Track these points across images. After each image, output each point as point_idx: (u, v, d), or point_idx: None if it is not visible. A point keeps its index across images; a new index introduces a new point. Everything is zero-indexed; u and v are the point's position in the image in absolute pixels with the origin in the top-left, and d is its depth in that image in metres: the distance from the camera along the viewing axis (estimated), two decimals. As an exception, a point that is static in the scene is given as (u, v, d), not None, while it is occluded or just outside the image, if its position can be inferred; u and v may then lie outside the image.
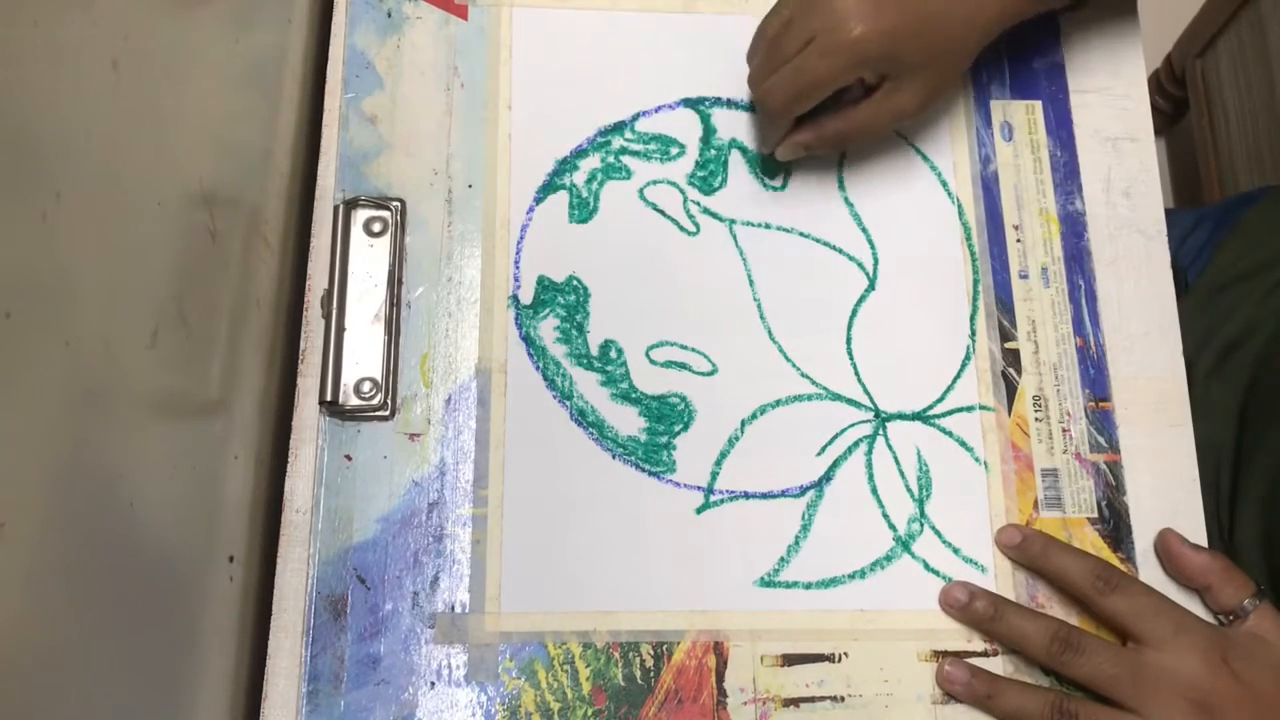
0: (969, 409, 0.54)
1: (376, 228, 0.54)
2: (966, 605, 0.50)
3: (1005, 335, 0.55)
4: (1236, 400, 0.66)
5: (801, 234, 0.57)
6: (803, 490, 0.53)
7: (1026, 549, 0.51)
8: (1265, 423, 0.63)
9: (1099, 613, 0.49)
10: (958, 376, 0.55)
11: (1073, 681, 0.49)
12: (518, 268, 0.55)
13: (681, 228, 0.56)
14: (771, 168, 0.57)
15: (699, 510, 0.52)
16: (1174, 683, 0.47)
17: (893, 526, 0.52)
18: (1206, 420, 0.55)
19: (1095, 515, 0.53)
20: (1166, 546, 0.51)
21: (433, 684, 0.49)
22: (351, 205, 0.54)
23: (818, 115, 0.53)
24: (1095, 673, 0.48)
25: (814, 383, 0.54)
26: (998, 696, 0.49)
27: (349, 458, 0.51)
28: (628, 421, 0.53)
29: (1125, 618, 0.48)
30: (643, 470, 0.52)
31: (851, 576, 0.52)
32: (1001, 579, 0.52)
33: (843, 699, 0.50)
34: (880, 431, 0.54)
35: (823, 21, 0.49)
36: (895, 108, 0.51)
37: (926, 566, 0.52)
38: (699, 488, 0.52)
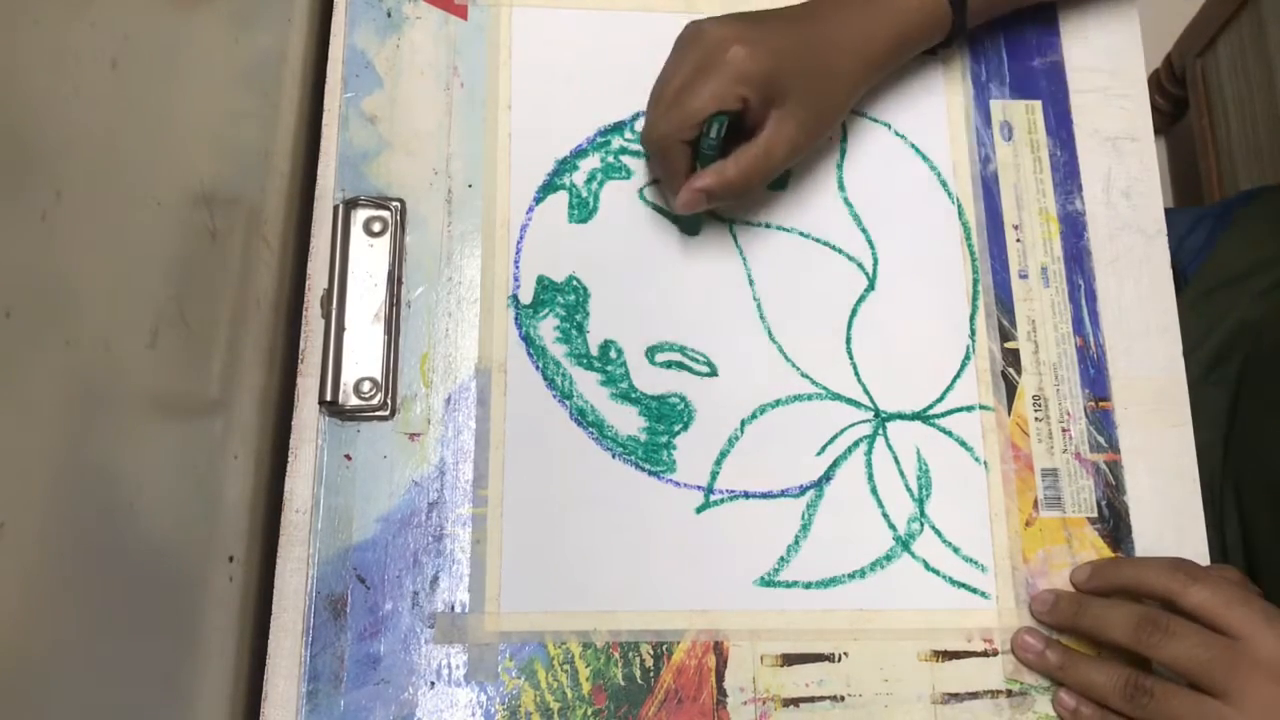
0: (969, 409, 0.54)
1: (376, 227, 0.54)
2: (1052, 605, 0.51)
3: (1005, 335, 0.55)
4: (1227, 403, 0.66)
5: (801, 234, 0.57)
6: (802, 490, 0.53)
7: (1101, 576, 0.51)
8: (1251, 425, 0.63)
9: (1184, 608, 0.48)
10: (957, 376, 0.55)
11: (1163, 665, 0.48)
12: (517, 267, 0.55)
13: (681, 228, 0.56)
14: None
15: (699, 510, 0.52)
16: (1267, 670, 0.45)
17: (892, 526, 0.52)
18: (1199, 423, 0.54)
19: (1095, 515, 0.53)
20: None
21: (433, 684, 0.49)
22: (351, 205, 0.54)
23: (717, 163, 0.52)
24: (1184, 655, 0.46)
25: (814, 382, 0.54)
26: (1070, 668, 0.50)
27: (349, 457, 0.51)
28: (627, 421, 0.53)
29: (1212, 608, 0.47)
30: (642, 470, 0.52)
31: (851, 576, 0.52)
32: (1001, 578, 0.52)
33: (842, 699, 0.50)
34: (880, 431, 0.54)
35: (704, 48, 0.50)
36: (786, 139, 0.51)
37: (926, 566, 0.52)
38: (699, 487, 0.52)
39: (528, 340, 0.54)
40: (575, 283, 0.55)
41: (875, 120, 0.59)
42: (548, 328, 0.54)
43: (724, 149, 0.51)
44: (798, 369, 0.54)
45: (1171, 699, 0.47)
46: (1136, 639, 0.48)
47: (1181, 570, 0.48)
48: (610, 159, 0.57)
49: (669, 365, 0.54)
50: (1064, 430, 0.54)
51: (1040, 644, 0.50)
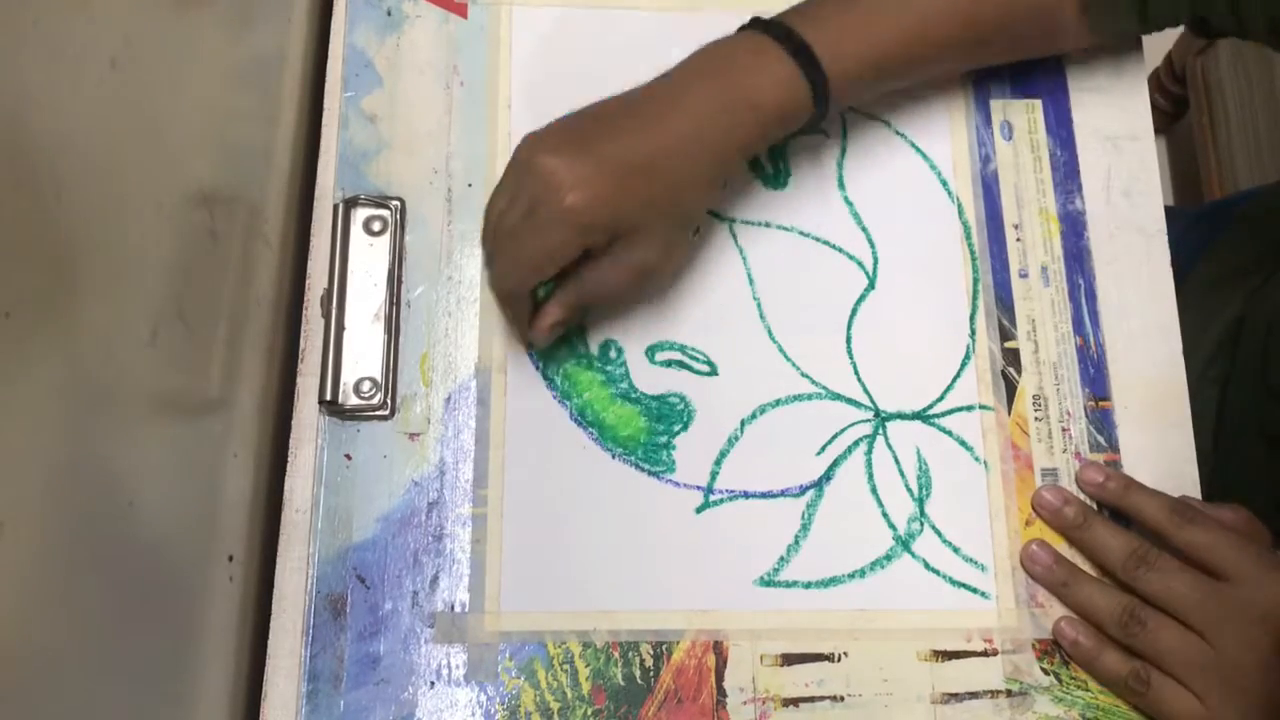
0: (969, 408, 0.54)
1: (376, 227, 0.54)
2: (1058, 510, 0.52)
3: (1005, 334, 0.55)
4: (1214, 398, 0.66)
5: (801, 233, 0.57)
6: (802, 490, 0.53)
7: (1107, 487, 0.52)
8: (1236, 423, 0.63)
9: (1177, 546, 0.49)
10: (957, 376, 0.55)
11: (1147, 599, 0.49)
12: (517, 267, 0.55)
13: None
14: (771, 175, 0.57)
15: (699, 510, 0.52)
16: (1253, 614, 0.46)
17: (892, 526, 0.52)
18: (1197, 422, 0.55)
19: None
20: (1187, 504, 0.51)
21: (432, 683, 0.49)
22: (351, 204, 0.54)
23: (558, 288, 0.50)
24: (1168, 592, 0.47)
25: (814, 382, 0.54)
26: (1074, 586, 0.50)
27: (349, 457, 0.51)
28: (627, 421, 0.53)
29: (1203, 549, 0.48)
30: (642, 470, 0.52)
31: (851, 576, 0.52)
32: (1001, 578, 0.52)
33: (842, 699, 0.50)
34: (880, 431, 0.54)
35: (536, 193, 0.46)
36: (637, 264, 0.49)
37: (926, 566, 0.52)
38: (699, 487, 0.52)
39: (528, 340, 0.54)
40: (575, 282, 0.55)
41: (875, 119, 0.59)
42: (548, 327, 0.54)
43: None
44: (798, 368, 0.54)
45: (1161, 631, 0.47)
46: (1124, 569, 0.49)
47: (1178, 510, 0.49)
48: (610, 158, 0.57)
49: (669, 365, 0.54)
50: (1064, 430, 0.54)
51: (1049, 557, 0.51)
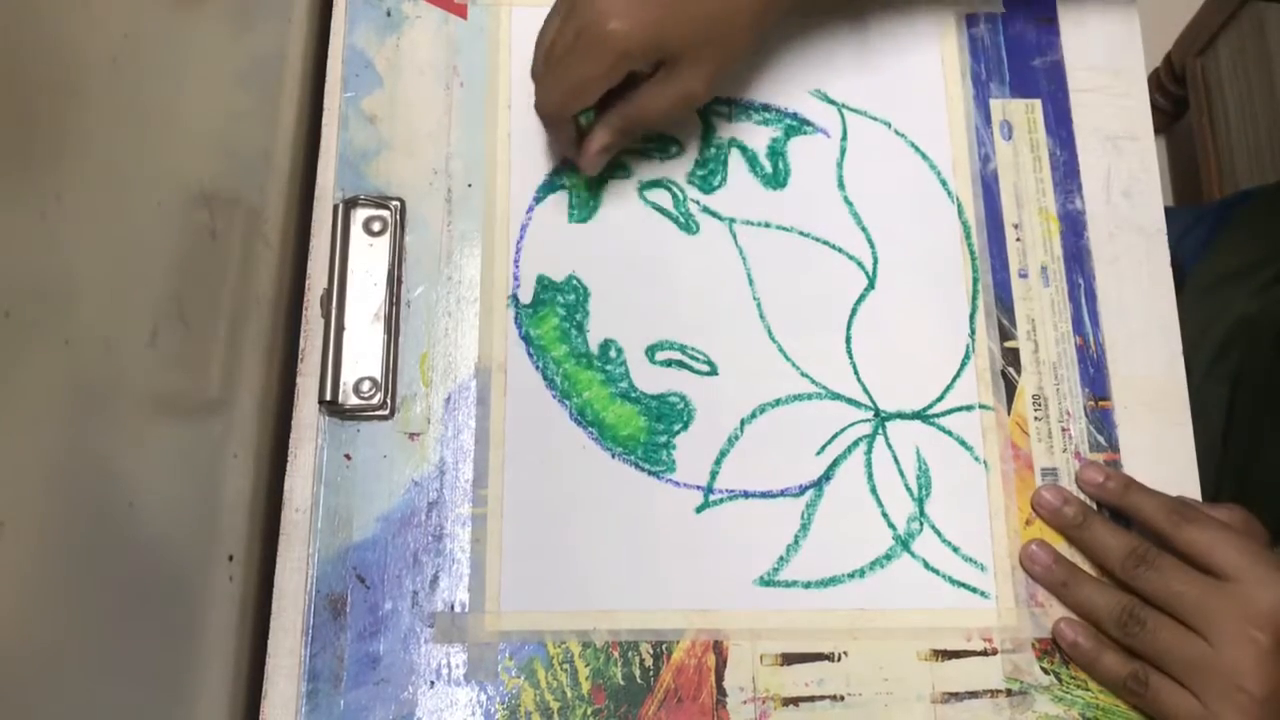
0: (968, 408, 0.54)
1: (376, 227, 0.54)
2: (1057, 509, 0.52)
3: (1005, 334, 0.55)
4: (1224, 397, 0.66)
5: (801, 233, 0.57)
6: (802, 489, 0.53)
7: (1106, 487, 0.52)
8: (1249, 421, 0.63)
9: (1175, 546, 0.49)
10: (957, 375, 0.55)
11: (1146, 599, 0.49)
12: (517, 267, 0.55)
13: (681, 227, 0.56)
14: (770, 174, 0.57)
15: (698, 509, 0.52)
16: (1246, 614, 0.46)
17: (892, 526, 0.52)
18: (1201, 421, 0.55)
19: (1095, 514, 0.53)
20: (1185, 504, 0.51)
21: (432, 683, 0.49)
22: (351, 204, 0.54)
23: (603, 115, 0.52)
24: (1167, 591, 0.47)
25: (813, 382, 0.54)
26: (1073, 586, 0.50)
27: (348, 457, 0.51)
28: (627, 421, 0.53)
29: (1202, 549, 0.48)
30: (642, 470, 0.52)
31: (851, 576, 0.52)
32: (1001, 578, 0.52)
33: (842, 698, 0.50)
34: (880, 431, 0.54)
35: (583, 19, 0.48)
36: (678, 91, 0.50)
37: (926, 565, 0.52)
38: (698, 487, 0.52)
39: (528, 340, 0.54)
40: (575, 282, 0.55)
41: (875, 119, 0.59)
42: (548, 327, 0.54)
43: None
44: (797, 368, 0.54)
45: (1161, 631, 0.47)
46: (1124, 569, 0.49)
47: (1177, 509, 0.49)
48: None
49: (669, 364, 0.54)
50: (1064, 429, 0.54)
51: (1049, 557, 0.51)
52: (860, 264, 0.56)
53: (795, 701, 0.49)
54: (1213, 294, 0.71)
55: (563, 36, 0.49)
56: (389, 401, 0.52)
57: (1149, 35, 0.61)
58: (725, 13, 0.49)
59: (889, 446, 0.54)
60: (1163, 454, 0.54)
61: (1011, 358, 0.55)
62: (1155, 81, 1.40)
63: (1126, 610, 0.48)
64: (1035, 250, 0.57)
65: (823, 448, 0.53)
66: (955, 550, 0.52)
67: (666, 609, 0.50)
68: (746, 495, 0.52)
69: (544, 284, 0.55)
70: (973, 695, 0.50)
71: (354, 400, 0.51)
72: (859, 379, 0.54)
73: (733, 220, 0.57)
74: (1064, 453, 0.54)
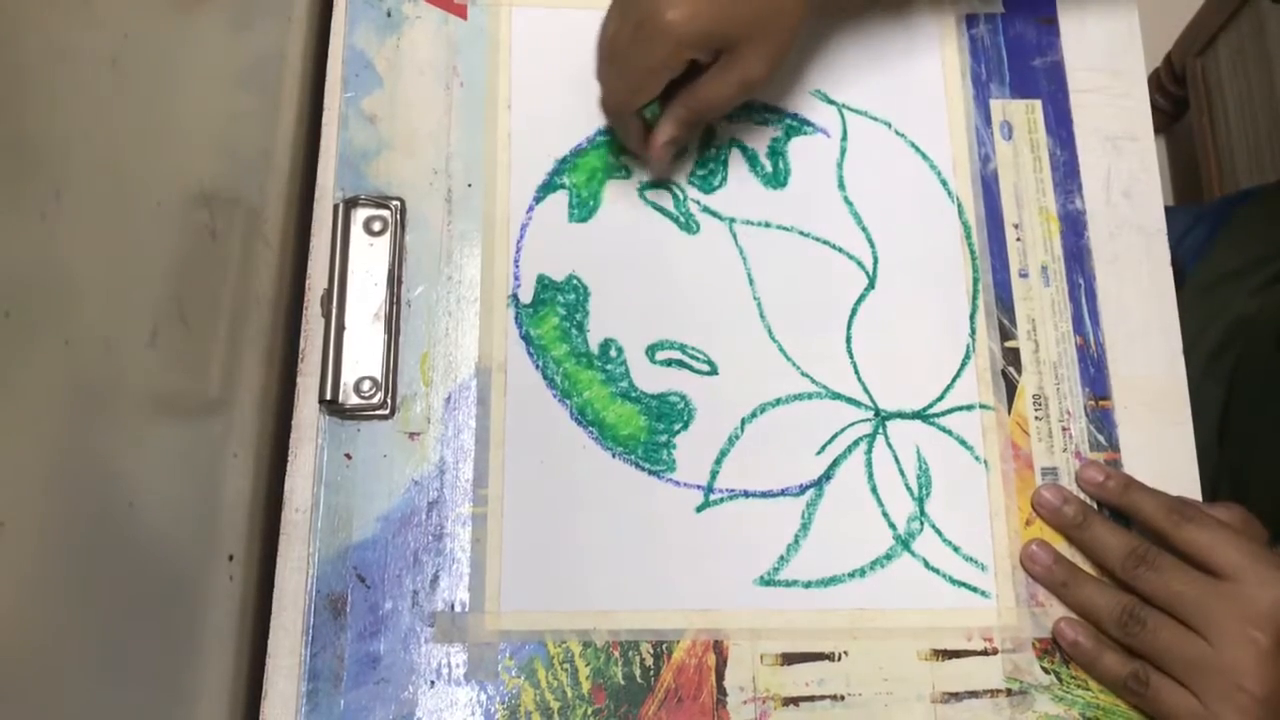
0: (969, 408, 0.54)
1: (376, 227, 0.54)
2: (1057, 509, 0.52)
3: (1005, 334, 0.55)
4: (1221, 396, 0.66)
5: (801, 233, 0.57)
6: (802, 489, 0.53)
7: (1106, 486, 0.52)
8: (1245, 422, 0.63)
9: (1175, 545, 0.49)
10: (957, 375, 0.55)
11: (1146, 599, 0.49)
12: (517, 266, 0.55)
13: (681, 226, 0.56)
14: (770, 173, 0.57)
15: (699, 509, 0.52)
16: (1246, 613, 0.46)
17: (892, 525, 0.52)
18: (1199, 420, 0.55)
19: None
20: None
21: (432, 683, 0.49)
22: (351, 204, 0.54)
23: (667, 108, 0.52)
24: (1166, 591, 0.47)
25: (814, 381, 0.54)
26: (1073, 586, 0.50)
27: (349, 456, 0.51)
28: (627, 420, 0.53)
29: (1201, 548, 0.47)
30: (642, 469, 0.52)
31: (851, 575, 0.52)
32: (1001, 577, 0.52)
33: (842, 698, 0.50)
34: (880, 430, 0.54)
35: (641, 12, 0.48)
36: (739, 77, 0.51)
37: (926, 565, 0.52)
38: (699, 486, 0.52)
39: (528, 339, 0.54)
40: (575, 282, 0.55)
41: (875, 119, 0.59)
42: (548, 327, 0.54)
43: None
44: (798, 368, 0.54)
45: (1161, 631, 0.47)
46: (1124, 568, 0.49)
47: (1176, 509, 0.49)
48: (610, 158, 0.57)
49: (669, 364, 0.54)
50: (1064, 429, 0.54)
51: (1049, 557, 0.51)
52: (860, 264, 0.56)
53: (795, 701, 0.49)
54: (1212, 293, 0.71)
55: (621, 31, 0.50)
56: (389, 401, 0.52)
57: (1149, 35, 0.61)
58: (777, 8, 0.50)
59: (889, 446, 0.54)
60: (1163, 453, 0.54)
61: (1012, 357, 0.55)
62: (1155, 81, 1.40)
63: (1126, 610, 0.48)
64: (1035, 250, 0.57)
65: (823, 447, 0.53)
66: (955, 550, 0.52)
67: (667, 609, 0.50)
68: (747, 495, 0.52)
69: (544, 284, 0.55)
70: (973, 695, 0.50)
71: (354, 400, 0.51)
72: (859, 379, 0.54)
73: (733, 220, 0.57)
74: (1064, 452, 0.54)
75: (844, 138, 0.58)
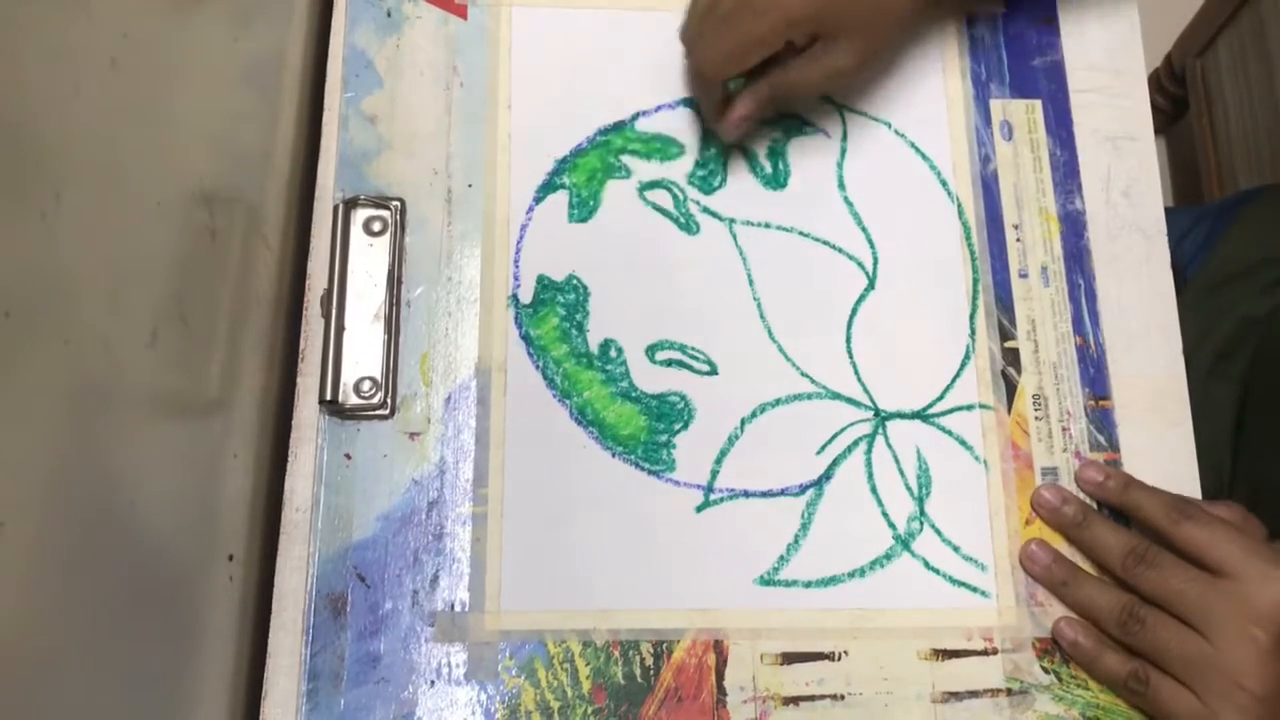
0: (969, 408, 0.54)
1: (376, 227, 0.54)
2: (1057, 509, 0.52)
3: (1005, 334, 0.55)
4: (1234, 399, 0.66)
5: (801, 233, 0.57)
6: (802, 489, 0.53)
7: (1106, 486, 0.52)
8: (1262, 422, 0.63)
9: (1175, 543, 0.49)
10: (957, 375, 0.55)
11: (1145, 597, 0.49)
12: (517, 267, 0.55)
13: (681, 227, 0.56)
14: (770, 171, 0.57)
15: (699, 509, 0.52)
16: (1246, 611, 0.46)
17: (892, 525, 0.52)
18: (1206, 421, 0.55)
19: (1095, 514, 0.53)
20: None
21: (432, 682, 0.49)
22: (351, 204, 0.54)
23: (752, 83, 0.53)
24: (1166, 589, 0.47)
25: (814, 381, 0.54)
26: (1073, 585, 0.50)
27: (349, 456, 0.51)
28: (627, 420, 0.53)
29: (1201, 546, 0.47)
30: (642, 469, 0.52)
31: (851, 575, 0.52)
32: (1001, 577, 0.52)
33: (842, 697, 0.50)
34: (880, 430, 0.54)
35: None
36: (830, 66, 0.51)
37: (926, 565, 0.52)
38: (699, 486, 0.52)
39: (528, 339, 0.54)
40: (575, 282, 0.55)
41: (875, 119, 0.59)
42: (548, 327, 0.54)
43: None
44: (798, 368, 0.54)
45: (1160, 629, 0.47)
46: (1123, 567, 0.49)
47: (1175, 507, 0.49)
48: (610, 158, 0.57)
49: (669, 364, 0.54)
50: (1064, 429, 0.54)
51: (1049, 556, 0.51)
52: (860, 264, 0.56)
53: (795, 701, 0.49)
54: (1217, 294, 0.71)
55: (724, 2, 0.50)
56: (389, 401, 0.52)
57: (1149, 35, 0.61)
58: (881, 4, 0.51)
59: (889, 446, 0.54)
60: (1163, 453, 0.54)
61: (1011, 357, 0.55)
62: (1155, 81, 1.40)
63: (1126, 609, 0.48)
64: (1035, 250, 0.57)
65: (823, 447, 0.53)
66: (955, 549, 0.52)
67: (667, 608, 0.50)
68: (747, 495, 0.52)
69: (544, 284, 0.55)
70: (973, 695, 0.50)
71: (354, 400, 0.51)
72: (859, 379, 0.54)
73: (733, 220, 0.57)
74: (1064, 452, 0.54)
75: (844, 138, 0.59)
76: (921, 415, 0.54)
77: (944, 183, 0.58)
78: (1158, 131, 1.42)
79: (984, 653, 0.51)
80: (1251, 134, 1.20)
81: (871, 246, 0.57)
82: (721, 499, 0.52)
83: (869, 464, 0.53)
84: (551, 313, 0.54)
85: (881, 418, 0.54)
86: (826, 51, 0.51)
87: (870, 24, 0.51)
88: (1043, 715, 0.50)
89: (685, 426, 0.53)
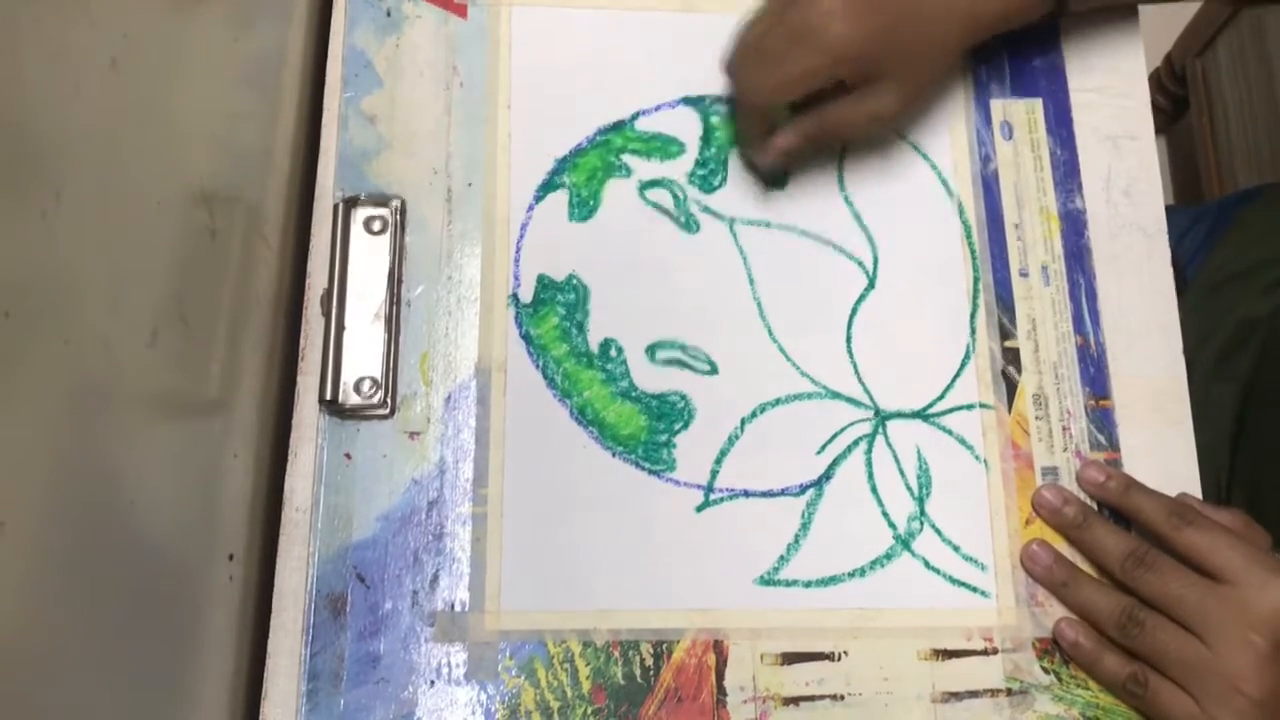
0: (969, 407, 0.54)
1: (376, 226, 0.54)
2: (1058, 509, 0.52)
3: (1005, 334, 0.55)
4: (1235, 399, 0.66)
5: (801, 232, 0.57)
6: (802, 489, 0.53)
7: (1107, 486, 0.52)
8: (1263, 422, 0.63)
9: (1175, 548, 0.49)
10: (957, 375, 0.55)
11: (1145, 601, 0.49)
12: (518, 266, 0.55)
13: (681, 226, 0.56)
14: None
15: (699, 509, 0.52)
16: (1244, 617, 0.46)
17: (892, 525, 0.52)
18: (1207, 422, 0.55)
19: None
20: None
21: (432, 682, 0.49)
22: (351, 204, 0.54)
23: (798, 116, 0.53)
24: (1165, 593, 0.47)
25: (814, 381, 0.54)
26: (1073, 587, 0.50)
27: (349, 456, 0.51)
28: (628, 420, 0.53)
29: (1201, 551, 0.48)
30: (642, 469, 0.52)
31: (851, 575, 0.52)
32: (1001, 577, 0.52)
33: (842, 698, 0.50)
34: (880, 430, 0.54)
35: (805, 19, 0.49)
36: (875, 108, 0.52)
37: (926, 564, 0.52)
38: (699, 486, 0.52)
39: (528, 339, 0.54)
40: (575, 281, 0.55)
41: (875, 119, 0.59)
42: (548, 326, 0.54)
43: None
44: (798, 368, 0.54)
45: (1159, 632, 0.47)
46: (1123, 570, 0.49)
47: (1176, 511, 0.49)
48: (610, 158, 0.57)
49: (669, 364, 0.54)
50: (1064, 429, 0.54)
51: (1049, 557, 0.51)
52: (860, 264, 0.56)
53: (795, 701, 0.49)
54: (1218, 293, 0.71)
55: (775, 33, 0.50)
56: (389, 401, 0.52)
57: (1149, 35, 0.61)
58: (937, 38, 0.52)
59: (889, 446, 0.54)
60: (1163, 453, 0.54)
61: (1012, 357, 0.55)
62: (1155, 81, 1.40)
63: (1125, 612, 0.48)
64: (1036, 250, 0.57)
65: (823, 447, 0.53)
66: (955, 549, 0.52)
67: (667, 608, 0.50)
68: (747, 494, 0.52)
69: (544, 283, 0.55)
70: (973, 695, 0.50)
71: (354, 400, 0.51)
72: (859, 378, 0.54)
73: (733, 220, 0.57)
74: (1064, 452, 0.54)
75: (844, 137, 0.58)
76: (922, 415, 0.54)
77: (944, 182, 0.58)
78: (1158, 131, 1.42)
79: (984, 653, 0.51)
80: (1251, 133, 1.20)
81: (872, 246, 0.57)
82: (722, 499, 0.52)
83: (869, 464, 0.53)
84: (551, 312, 0.54)
85: (882, 417, 0.54)
86: (873, 93, 0.51)
87: (914, 69, 0.52)
88: (1043, 715, 0.50)
89: (685, 426, 0.53)
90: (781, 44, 0.50)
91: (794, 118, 0.53)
